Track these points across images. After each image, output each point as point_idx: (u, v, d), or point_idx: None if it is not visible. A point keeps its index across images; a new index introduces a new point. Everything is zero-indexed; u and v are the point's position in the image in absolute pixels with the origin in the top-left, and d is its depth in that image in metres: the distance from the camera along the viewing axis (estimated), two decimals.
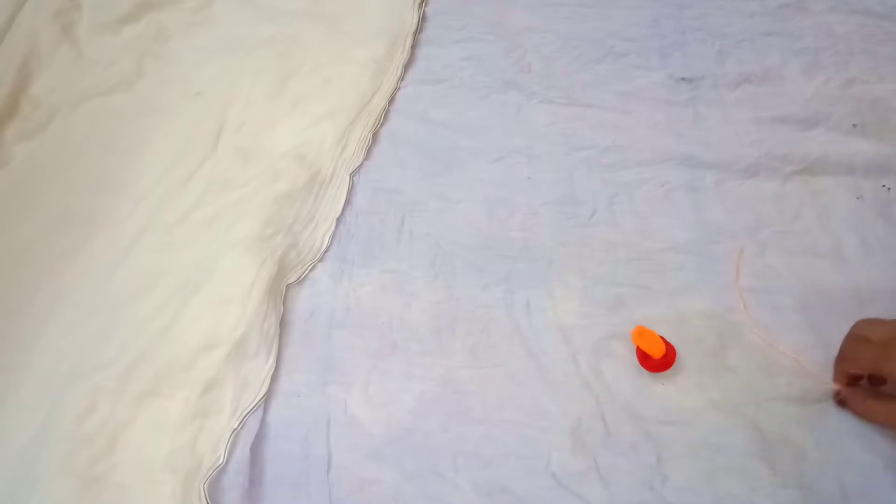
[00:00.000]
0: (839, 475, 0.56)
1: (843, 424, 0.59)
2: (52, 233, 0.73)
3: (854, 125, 0.76)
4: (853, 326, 0.57)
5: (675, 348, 0.63)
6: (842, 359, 0.57)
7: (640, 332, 0.62)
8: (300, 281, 0.70)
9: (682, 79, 0.81)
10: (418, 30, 0.87)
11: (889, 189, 0.72)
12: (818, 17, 0.84)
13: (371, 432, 0.61)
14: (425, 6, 0.89)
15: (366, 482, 0.59)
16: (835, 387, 0.59)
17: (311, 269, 0.70)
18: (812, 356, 0.62)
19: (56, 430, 0.60)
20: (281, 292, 0.68)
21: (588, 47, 0.84)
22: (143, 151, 0.79)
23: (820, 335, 0.63)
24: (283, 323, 0.67)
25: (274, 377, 0.64)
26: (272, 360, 0.64)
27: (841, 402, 0.58)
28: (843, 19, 0.83)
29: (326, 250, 0.71)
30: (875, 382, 0.58)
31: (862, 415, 0.56)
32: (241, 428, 0.61)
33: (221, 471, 0.59)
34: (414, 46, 0.86)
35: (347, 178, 0.76)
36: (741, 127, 0.77)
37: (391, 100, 0.82)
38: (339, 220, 0.73)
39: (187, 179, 0.76)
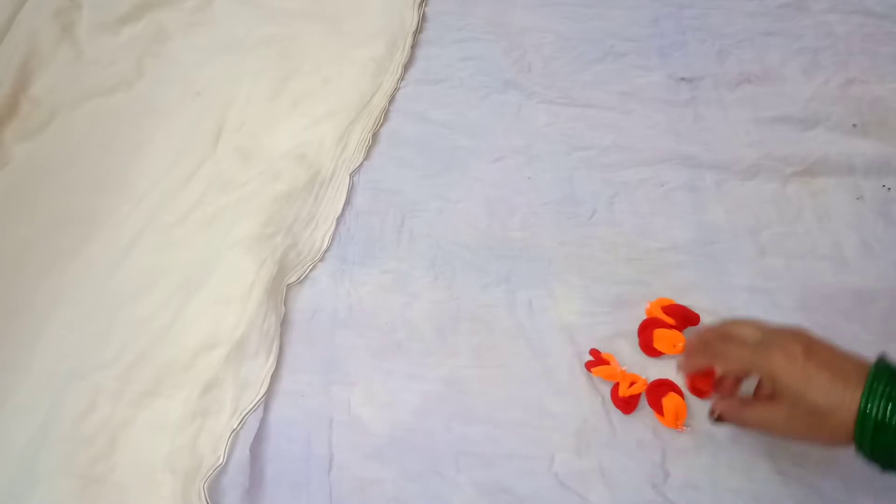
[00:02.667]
0: (843, 472, 0.56)
1: None
2: (52, 233, 0.73)
3: (854, 125, 0.76)
4: (722, 326, 0.56)
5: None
6: (713, 356, 0.55)
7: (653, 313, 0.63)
8: (301, 281, 0.70)
9: (682, 79, 0.81)
10: (418, 30, 0.87)
11: (889, 189, 0.72)
12: (818, 17, 0.84)
13: (374, 432, 0.61)
14: (425, 6, 0.89)
15: (367, 482, 0.59)
16: (712, 404, 0.55)
17: (311, 269, 0.70)
18: None
19: (56, 430, 0.60)
20: (281, 292, 0.68)
21: (588, 47, 0.84)
22: (143, 151, 0.79)
23: (821, 335, 0.63)
24: (285, 322, 0.67)
25: (276, 377, 0.64)
26: (272, 359, 0.64)
27: (720, 417, 0.54)
28: (843, 19, 0.84)
29: (326, 250, 0.71)
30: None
31: (754, 424, 0.52)
32: (241, 428, 0.61)
33: (221, 471, 0.59)
34: (414, 46, 0.86)
35: (347, 178, 0.76)
36: (741, 127, 0.77)
37: (391, 100, 0.82)
38: (339, 220, 0.73)
39: (187, 179, 0.76)
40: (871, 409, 0.43)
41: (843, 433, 0.45)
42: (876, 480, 0.56)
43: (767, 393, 0.50)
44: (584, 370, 0.63)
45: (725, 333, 0.55)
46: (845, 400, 0.44)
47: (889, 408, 0.43)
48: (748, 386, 0.57)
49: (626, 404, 0.60)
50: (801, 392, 0.46)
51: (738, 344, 0.53)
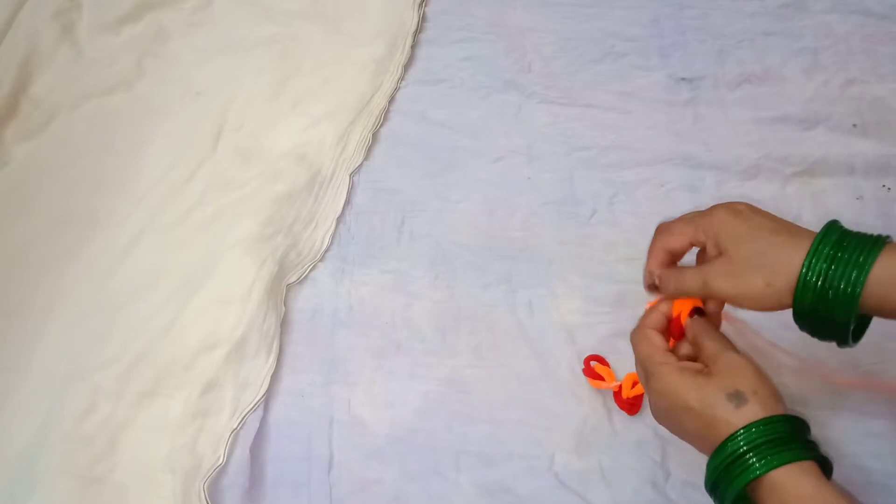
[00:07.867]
0: (841, 475, 0.56)
1: (846, 425, 0.59)
2: (51, 233, 0.73)
3: (854, 125, 0.76)
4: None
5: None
6: (660, 233, 0.53)
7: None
8: (301, 281, 0.70)
9: (682, 79, 0.81)
10: (418, 30, 0.87)
11: (889, 189, 0.72)
12: (818, 17, 0.84)
13: (374, 432, 0.61)
14: (425, 6, 0.89)
15: (367, 482, 0.59)
16: (648, 275, 0.52)
17: (311, 269, 0.70)
18: (815, 356, 0.62)
19: (56, 430, 0.60)
20: (281, 292, 0.68)
21: (588, 47, 0.84)
22: (143, 151, 0.79)
23: None
24: (286, 322, 0.67)
25: (277, 377, 0.64)
26: (272, 359, 0.64)
27: (652, 286, 0.52)
28: (843, 19, 0.83)
29: (327, 250, 0.71)
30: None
31: (690, 284, 0.49)
32: (241, 428, 0.61)
33: (221, 471, 0.59)
34: (414, 46, 0.86)
35: (347, 177, 0.76)
36: (741, 127, 0.77)
37: (391, 100, 0.82)
38: (339, 220, 0.73)
39: (187, 179, 0.76)
40: (816, 263, 0.42)
41: (784, 284, 0.43)
42: (877, 481, 0.56)
43: (712, 255, 0.47)
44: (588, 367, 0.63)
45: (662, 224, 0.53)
46: (794, 254, 0.43)
47: (830, 268, 0.42)
48: None
49: (631, 406, 0.60)
50: (743, 237, 0.45)
51: (679, 219, 0.51)
